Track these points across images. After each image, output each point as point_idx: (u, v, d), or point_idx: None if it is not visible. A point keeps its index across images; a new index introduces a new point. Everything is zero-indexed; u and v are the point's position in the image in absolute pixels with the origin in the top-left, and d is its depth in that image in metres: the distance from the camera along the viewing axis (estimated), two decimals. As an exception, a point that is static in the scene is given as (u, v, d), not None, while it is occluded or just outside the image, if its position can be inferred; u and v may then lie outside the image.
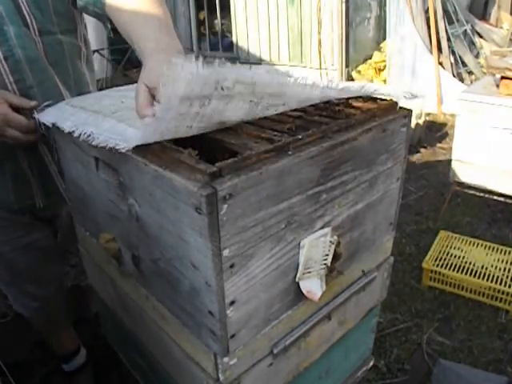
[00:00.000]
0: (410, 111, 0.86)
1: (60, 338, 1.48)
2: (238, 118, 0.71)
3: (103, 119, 0.78)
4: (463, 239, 2.17)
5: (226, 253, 0.61)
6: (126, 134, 0.69)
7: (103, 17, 0.95)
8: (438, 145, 3.64)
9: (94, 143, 0.71)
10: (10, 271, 1.21)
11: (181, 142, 0.70)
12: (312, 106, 0.83)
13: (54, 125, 0.87)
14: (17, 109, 0.93)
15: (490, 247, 2.10)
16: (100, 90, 1.19)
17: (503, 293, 1.83)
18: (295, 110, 0.81)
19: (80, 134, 0.76)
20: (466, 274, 1.93)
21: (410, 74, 4.45)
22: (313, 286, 0.79)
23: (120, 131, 0.71)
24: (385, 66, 4.76)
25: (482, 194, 2.37)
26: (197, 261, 0.63)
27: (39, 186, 1.11)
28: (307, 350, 0.89)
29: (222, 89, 0.61)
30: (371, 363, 1.22)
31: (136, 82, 0.72)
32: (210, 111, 0.64)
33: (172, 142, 0.72)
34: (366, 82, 0.86)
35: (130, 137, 0.67)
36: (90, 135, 0.73)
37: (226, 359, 0.70)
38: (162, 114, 0.59)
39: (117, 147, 0.66)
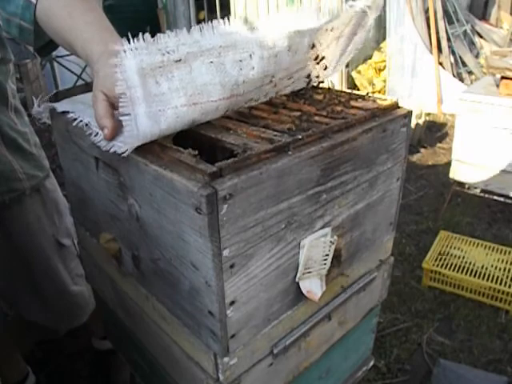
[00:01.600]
0: (409, 111, 0.86)
1: (3, 366, 1.35)
2: (219, 89, 0.68)
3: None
4: (463, 239, 2.17)
5: (226, 253, 0.61)
6: (123, 131, 0.69)
7: (27, 34, 0.81)
8: (438, 145, 3.64)
9: (92, 139, 0.72)
10: None
11: (181, 142, 0.70)
12: (312, 105, 0.83)
13: (52, 123, 0.87)
14: None
15: (489, 247, 2.10)
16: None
17: (503, 293, 1.83)
18: (295, 110, 0.81)
19: (75, 119, 0.76)
20: (466, 274, 1.93)
21: (409, 74, 4.45)
22: (313, 286, 0.79)
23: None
24: (385, 66, 4.76)
25: (482, 194, 2.37)
26: (197, 261, 0.63)
27: None
28: (307, 350, 0.89)
29: (169, 52, 0.61)
30: (371, 363, 1.22)
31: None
32: (180, 83, 0.63)
33: (172, 142, 0.72)
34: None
35: (127, 137, 0.66)
36: (87, 124, 0.74)
37: (226, 359, 0.70)
38: (133, 95, 0.59)
39: (118, 151, 0.66)
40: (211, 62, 0.65)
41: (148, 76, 0.60)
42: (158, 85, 0.61)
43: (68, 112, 0.79)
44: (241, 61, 0.68)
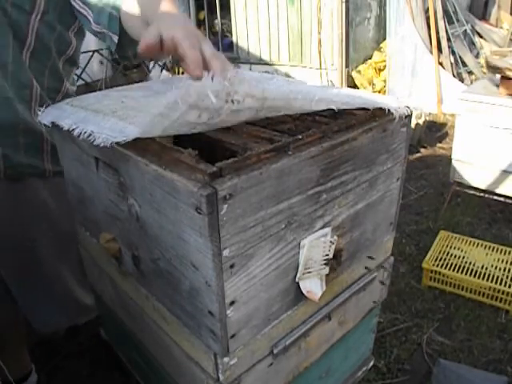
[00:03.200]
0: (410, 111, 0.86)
1: (7, 362, 1.25)
2: (241, 121, 0.72)
3: (103, 118, 0.78)
4: (463, 239, 2.17)
5: (226, 253, 0.61)
6: (126, 131, 0.69)
7: (114, 23, 0.90)
8: (438, 145, 3.64)
9: (95, 143, 0.71)
10: None
11: (181, 142, 0.70)
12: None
13: (53, 123, 0.87)
14: None
15: (489, 247, 2.10)
16: (99, 90, 1.19)
17: (503, 293, 1.83)
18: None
19: (80, 133, 0.76)
20: (465, 274, 1.93)
21: (409, 74, 4.45)
22: (313, 286, 0.79)
23: (121, 128, 0.71)
24: (385, 66, 4.76)
25: (482, 194, 2.37)
26: (197, 261, 0.63)
27: None
28: (307, 350, 0.89)
29: (233, 102, 0.60)
30: (371, 363, 1.22)
31: (136, 82, 0.72)
32: (218, 122, 0.64)
33: (172, 142, 0.72)
34: (366, 94, 0.85)
35: (130, 131, 0.66)
36: (90, 134, 0.73)
37: (226, 359, 0.70)
38: (166, 111, 0.59)
39: (115, 140, 0.66)
40: (257, 110, 0.68)
41: (195, 108, 0.59)
42: (199, 118, 0.61)
43: (74, 129, 0.79)
44: (276, 111, 0.72)
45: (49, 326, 1.32)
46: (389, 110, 0.80)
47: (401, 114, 0.81)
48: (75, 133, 0.77)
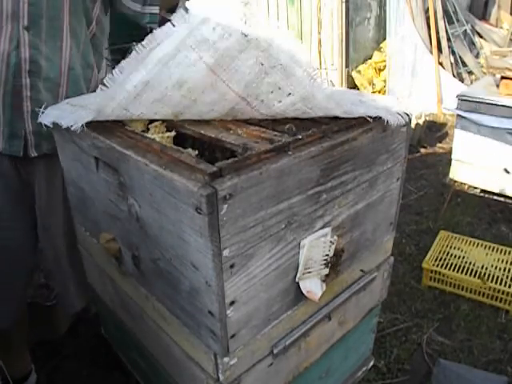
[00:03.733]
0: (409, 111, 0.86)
1: (9, 361, 1.26)
2: (240, 87, 0.70)
3: (102, 116, 0.78)
4: (463, 239, 2.16)
5: (226, 253, 0.61)
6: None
7: None
8: (438, 145, 3.63)
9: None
10: None
11: (181, 142, 0.70)
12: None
13: (53, 123, 0.87)
14: None
15: (489, 247, 2.10)
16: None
17: (503, 293, 1.83)
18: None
19: (78, 129, 0.76)
20: (465, 274, 1.93)
21: (409, 74, 4.44)
22: (313, 286, 0.79)
23: (118, 114, 0.72)
24: (385, 66, 4.76)
25: (482, 194, 2.37)
26: (197, 261, 0.63)
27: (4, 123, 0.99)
28: (307, 350, 0.89)
29: (245, 22, 0.62)
30: (371, 363, 1.22)
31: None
32: (224, 49, 0.64)
33: (172, 142, 0.72)
34: (367, 98, 0.85)
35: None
36: (88, 126, 0.74)
37: (226, 359, 0.70)
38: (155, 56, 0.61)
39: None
40: (262, 64, 0.67)
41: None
42: (214, 31, 0.62)
43: (72, 126, 0.79)
44: (280, 88, 0.70)
45: (78, 304, 1.33)
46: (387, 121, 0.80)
47: (399, 123, 0.81)
48: (73, 128, 0.77)
